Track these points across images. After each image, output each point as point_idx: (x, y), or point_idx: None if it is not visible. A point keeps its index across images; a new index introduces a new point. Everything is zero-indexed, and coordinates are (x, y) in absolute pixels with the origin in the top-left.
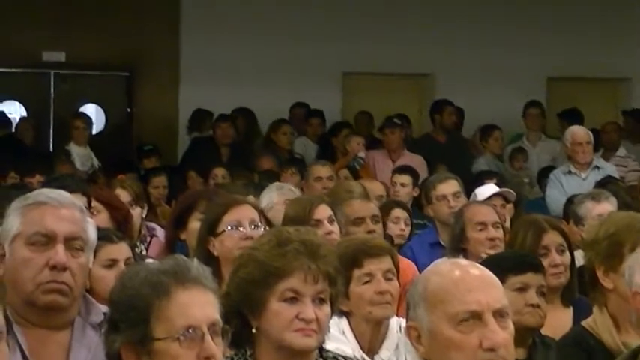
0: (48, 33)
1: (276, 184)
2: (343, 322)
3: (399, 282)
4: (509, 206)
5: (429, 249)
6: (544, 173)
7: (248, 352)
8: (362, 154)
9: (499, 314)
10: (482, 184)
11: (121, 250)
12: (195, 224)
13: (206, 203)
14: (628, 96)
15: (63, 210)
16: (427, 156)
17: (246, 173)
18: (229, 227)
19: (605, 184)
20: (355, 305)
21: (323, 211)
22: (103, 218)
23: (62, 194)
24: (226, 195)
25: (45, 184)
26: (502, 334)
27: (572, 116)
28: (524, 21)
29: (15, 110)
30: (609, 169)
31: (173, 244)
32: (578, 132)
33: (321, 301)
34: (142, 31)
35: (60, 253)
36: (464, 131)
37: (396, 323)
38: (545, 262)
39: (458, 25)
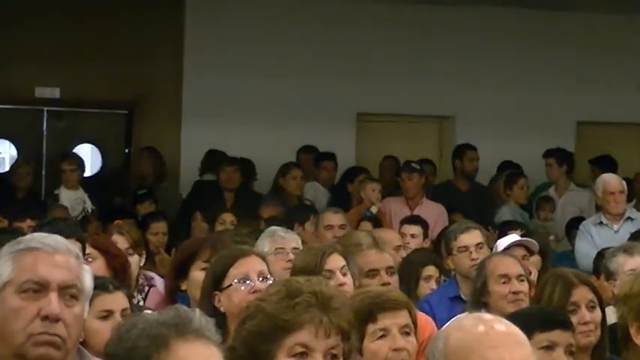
0: (41, 67)
1: (268, 230)
2: None
3: (416, 338)
4: (536, 258)
5: (449, 303)
6: (573, 224)
7: None
8: (374, 208)
9: None
10: (505, 235)
11: (117, 301)
12: (197, 274)
13: (210, 252)
14: None
15: (57, 256)
16: (447, 204)
17: (252, 221)
18: (236, 281)
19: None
20: None
21: (335, 261)
22: (99, 266)
23: (56, 239)
24: (232, 245)
25: (37, 229)
26: None
27: (605, 163)
28: (553, 63)
29: (5, 150)
30: None
31: (173, 295)
32: (610, 180)
33: (334, 357)
34: (142, 65)
35: (53, 302)
36: (486, 178)
37: None
38: (574, 319)
39: (482, 65)
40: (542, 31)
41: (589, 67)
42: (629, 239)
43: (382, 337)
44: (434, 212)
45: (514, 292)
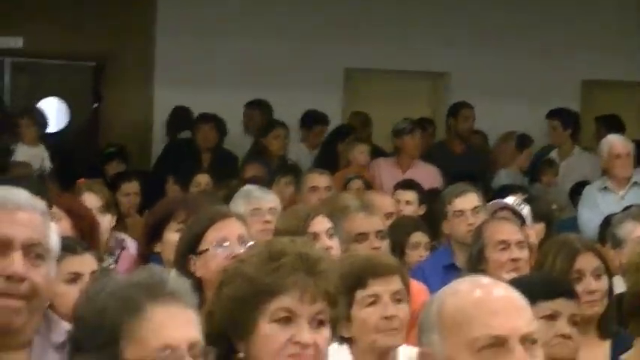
0: (2, 14)
1: (242, 190)
2: (343, 351)
3: (409, 307)
4: (540, 226)
5: (443, 272)
6: (577, 190)
7: None
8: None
9: (527, 341)
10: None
11: (85, 263)
12: (172, 235)
13: (185, 212)
14: None
15: (20, 213)
16: (441, 167)
17: (231, 182)
18: (214, 245)
19: None
20: (358, 332)
21: (320, 224)
22: (64, 227)
23: (20, 194)
24: (209, 206)
25: None
26: None
27: (612, 123)
28: (559, 19)
29: None
30: None
31: (146, 258)
32: (617, 142)
33: (320, 323)
34: (114, 14)
35: (17, 261)
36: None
37: (405, 353)
38: (578, 288)
39: (480, 19)
40: None
41: (598, 24)
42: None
43: (372, 304)
44: (428, 175)
45: (513, 260)
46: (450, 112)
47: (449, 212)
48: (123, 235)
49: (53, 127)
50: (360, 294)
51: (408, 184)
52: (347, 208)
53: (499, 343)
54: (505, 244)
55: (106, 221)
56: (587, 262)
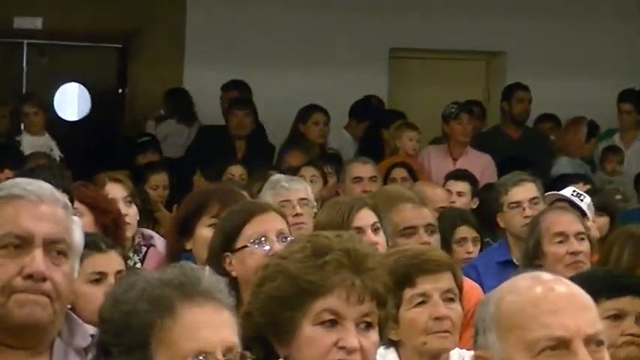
0: None
1: (270, 180)
2: (391, 355)
3: (461, 306)
4: (603, 219)
5: (498, 269)
6: None
7: None
8: None
9: (592, 342)
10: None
11: (110, 261)
12: (204, 231)
13: (219, 206)
14: None
15: (43, 206)
16: (495, 154)
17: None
18: (252, 241)
19: None
20: (406, 334)
21: (365, 217)
22: (87, 222)
23: (42, 186)
24: (246, 199)
25: (17, 177)
26: None
27: None
28: None
29: None
30: None
31: (176, 256)
32: None
33: (368, 326)
34: None
35: (37, 259)
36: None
37: (458, 357)
38: None
39: None
40: None
41: None
42: None
43: (421, 303)
44: (480, 163)
45: (572, 253)
46: (504, 94)
47: (504, 204)
48: (150, 231)
49: (74, 114)
50: (408, 293)
51: (460, 175)
52: (394, 199)
53: (561, 345)
54: (563, 236)
55: (132, 212)
56: None
